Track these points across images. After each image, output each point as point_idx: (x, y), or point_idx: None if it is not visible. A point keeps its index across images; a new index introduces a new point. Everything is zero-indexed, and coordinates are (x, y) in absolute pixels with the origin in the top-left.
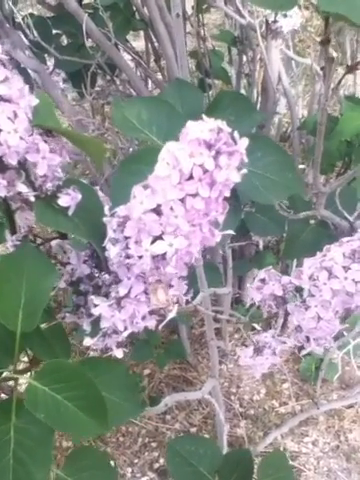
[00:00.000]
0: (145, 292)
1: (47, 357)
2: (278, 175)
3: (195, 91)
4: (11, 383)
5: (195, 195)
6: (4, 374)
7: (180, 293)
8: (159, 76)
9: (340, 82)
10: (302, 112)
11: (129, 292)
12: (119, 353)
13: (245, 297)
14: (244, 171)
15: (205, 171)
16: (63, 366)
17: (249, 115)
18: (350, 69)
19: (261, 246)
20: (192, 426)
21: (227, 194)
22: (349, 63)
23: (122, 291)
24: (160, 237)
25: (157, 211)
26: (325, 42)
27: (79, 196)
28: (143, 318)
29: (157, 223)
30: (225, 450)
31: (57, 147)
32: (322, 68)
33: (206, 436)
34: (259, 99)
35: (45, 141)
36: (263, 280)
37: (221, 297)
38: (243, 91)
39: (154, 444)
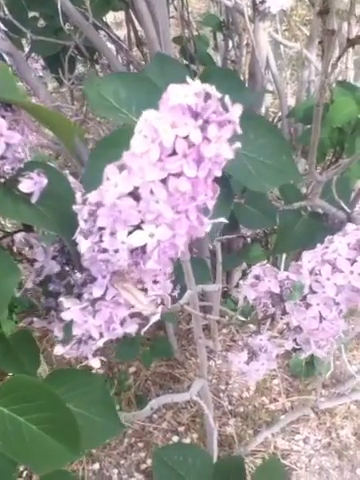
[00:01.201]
0: None
1: (13, 368)
2: (272, 159)
3: (179, 67)
4: None
5: (179, 175)
6: None
7: (165, 292)
8: (142, 63)
9: (340, 58)
10: (290, 100)
11: (105, 293)
12: (96, 363)
13: (233, 291)
14: (238, 145)
15: (191, 145)
16: (26, 383)
17: (239, 93)
18: (351, 43)
19: (249, 238)
20: (180, 425)
21: (218, 174)
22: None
23: (96, 292)
24: (139, 227)
25: (135, 195)
26: (323, 13)
27: (44, 181)
28: (122, 323)
29: (135, 210)
30: (215, 454)
31: (18, 124)
32: (320, 42)
33: (194, 435)
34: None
35: (3, 116)
36: (258, 276)
37: (209, 293)
38: None
39: (141, 444)
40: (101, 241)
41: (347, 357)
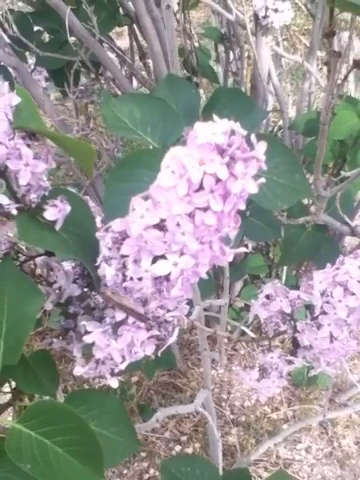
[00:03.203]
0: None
1: (32, 389)
2: (285, 178)
3: (189, 88)
4: None
5: (206, 209)
6: None
7: (181, 314)
8: (144, 74)
9: (346, 78)
10: (290, 111)
11: (127, 317)
12: (114, 383)
13: (234, 301)
14: (262, 180)
15: (217, 181)
16: (51, 406)
17: (249, 113)
18: (356, 64)
19: (250, 249)
20: (182, 434)
21: (242, 207)
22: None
23: (119, 316)
24: (162, 256)
25: (160, 227)
26: (330, 35)
27: (68, 208)
28: (141, 345)
29: (160, 241)
30: (220, 465)
31: (42, 152)
32: (326, 63)
33: (197, 445)
34: None
35: (28, 145)
36: (269, 296)
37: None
38: None
39: (144, 454)
40: (124, 268)
41: (348, 366)
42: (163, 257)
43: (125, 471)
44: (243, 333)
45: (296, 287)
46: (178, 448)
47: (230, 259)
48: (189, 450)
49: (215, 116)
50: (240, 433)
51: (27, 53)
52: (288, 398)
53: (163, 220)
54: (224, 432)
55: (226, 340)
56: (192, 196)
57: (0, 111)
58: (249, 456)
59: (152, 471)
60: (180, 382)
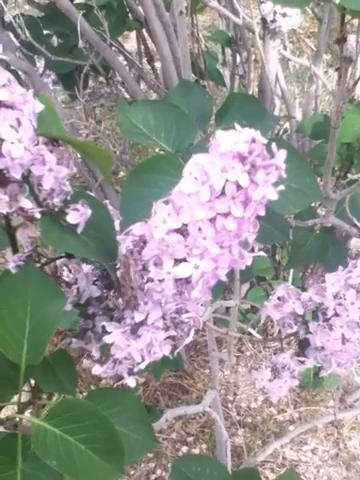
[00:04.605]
0: (163, 317)
1: (51, 387)
2: (296, 182)
3: (202, 93)
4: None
5: (227, 214)
6: (7, 412)
7: (197, 315)
8: (153, 78)
9: (357, 83)
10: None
11: (146, 318)
12: (132, 382)
13: (241, 302)
14: (282, 188)
15: (238, 187)
16: (75, 404)
17: (262, 119)
18: None
19: (257, 250)
20: (189, 435)
21: (262, 213)
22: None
23: (138, 317)
24: (182, 259)
25: (181, 231)
26: (341, 41)
27: (89, 212)
28: (159, 345)
29: (182, 245)
30: (229, 465)
31: (63, 157)
32: (337, 69)
33: (203, 445)
34: None
35: (51, 151)
36: (281, 297)
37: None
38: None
39: (150, 455)
40: (144, 270)
41: (354, 368)
42: (183, 260)
43: (132, 472)
44: (249, 334)
45: (303, 289)
46: (185, 449)
47: (249, 263)
48: (196, 451)
49: (237, 125)
50: (246, 434)
51: (35, 56)
52: (294, 400)
53: (185, 225)
54: (231, 433)
55: (234, 341)
56: (214, 202)
57: (25, 118)
58: (256, 457)
59: (159, 471)
60: (186, 383)
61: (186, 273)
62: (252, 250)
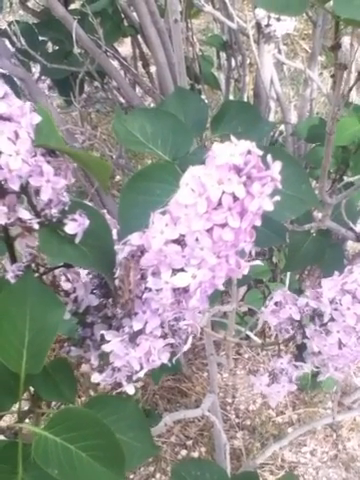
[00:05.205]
0: (161, 326)
1: (51, 396)
2: (293, 189)
3: (198, 101)
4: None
5: (224, 225)
6: (7, 420)
7: (195, 322)
8: (145, 79)
9: (351, 89)
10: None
11: (144, 327)
12: (130, 389)
13: (238, 305)
14: (277, 198)
15: (235, 199)
16: (75, 413)
17: (257, 126)
18: None
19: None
20: (188, 439)
21: (258, 223)
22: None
23: (137, 326)
24: (181, 269)
25: (179, 241)
26: (335, 48)
27: (87, 222)
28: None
29: (180, 255)
30: (229, 469)
31: (61, 168)
32: (332, 76)
33: (202, 449)
34: None
35: (48, 162)
36: (278, 303)
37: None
38: (231, 97)
39: (150, 458)
40: (143, 279)
41: (352, 369)
42: (181, 270)
43: (132, 476)
44: (247, 337)
45: (300, 291)
46: (184, 452)
47: (246, 272)
48: (195, 454)
49: (233, 137)
50: (245, 437)
51: (31, 62)
52: (293, 402)
53: (182, 235)
54: (229, 436)
55: (232, 344)
56: (211, 213)
57: (23, 131)
58: (255, 460)
59: (158, 475)
60: (185, 386)
61: (184, 283)
62: (250, 255)
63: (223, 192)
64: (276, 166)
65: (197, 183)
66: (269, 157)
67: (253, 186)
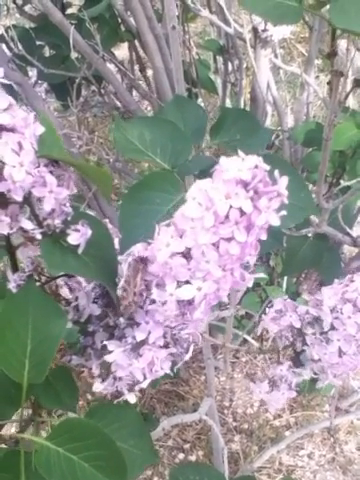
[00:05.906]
0: (164, 336)
1: (53, 405)
2: (292, 197)
3: (197, 109)
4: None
5: (230, 239)
6: (8, 430)
7: (196, 331)
8: (143, 84)
9: (347, 96)
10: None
11: (147, 337)
12: (131, 398)
13: (236, 309)
14: (283, 213)
15: (242, 213)
16: (77, 423)
17: (256, 134)
18: (357, 84)
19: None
20: (185, 443)
21: (263, 237)
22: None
23: (140, 336)
24: (186, 281)
25: (184, 254)
26: (331, 55)
27: (89, 232)
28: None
29: (185, 268)
30: (226, 473)
31: (64, 178)
32: (328, 83)
33: (200, 452)
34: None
35: (51, 172)
36: (279, 311)
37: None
38: (228, 100)
39: None
40: (147, 290)
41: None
42: (186, 282)
43: None
44: (245, 341)
45: (297, 294)
46: (181, 456)
47: (250, 284)
48: (192, 458)
49: (240, 152)
50: (243, 440)
51: (28, 67)
52: (290, 405)
53: (188, 248)
54: (227, 440)
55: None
56: (218, 227)
57: (26, 142)
58: (253, 463)
59: (156, 479)
60: (182, 390)
61: (189, 295)
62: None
63: (231, 207)
64: (283, 181)
65: (204, 197)
66: (276, 172)
67: (260, 201)
